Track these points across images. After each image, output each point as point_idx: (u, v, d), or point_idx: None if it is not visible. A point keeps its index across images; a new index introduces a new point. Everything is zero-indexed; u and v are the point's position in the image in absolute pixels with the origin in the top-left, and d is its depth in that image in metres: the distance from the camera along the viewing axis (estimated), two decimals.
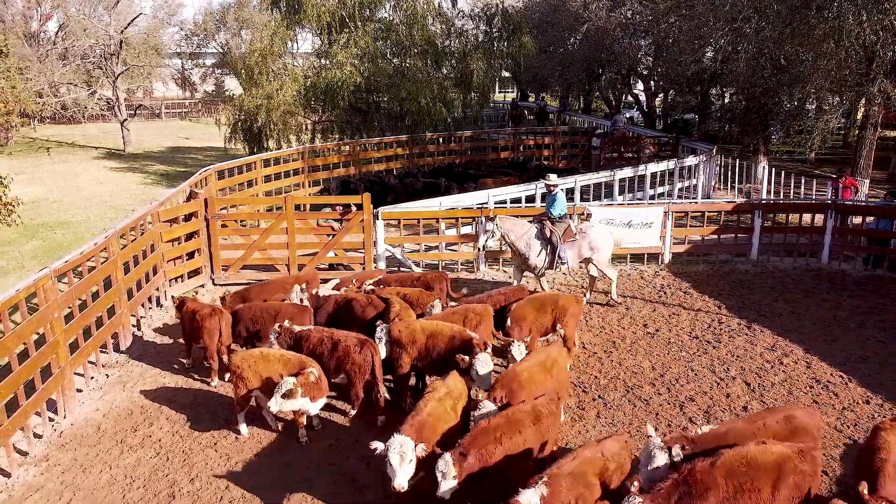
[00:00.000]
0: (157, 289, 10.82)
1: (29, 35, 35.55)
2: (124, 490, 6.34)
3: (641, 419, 7.36)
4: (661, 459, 4.92)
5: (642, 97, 31.21)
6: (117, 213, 18.57)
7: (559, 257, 10.20)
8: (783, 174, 16.87)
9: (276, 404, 6.37)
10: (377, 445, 5.29)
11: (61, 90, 32.31)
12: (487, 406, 6.00)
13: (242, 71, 21.33)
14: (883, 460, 4.94)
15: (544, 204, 11.16)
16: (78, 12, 33.55)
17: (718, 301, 10.91)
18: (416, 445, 5.24)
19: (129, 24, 31.68)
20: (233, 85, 48.96)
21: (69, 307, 7.90)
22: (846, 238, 13.07)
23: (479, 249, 10.91)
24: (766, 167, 19.21)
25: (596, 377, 8.34)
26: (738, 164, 18.62)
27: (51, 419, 7.47)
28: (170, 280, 11.23)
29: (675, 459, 4.97)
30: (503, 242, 10.54)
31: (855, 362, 8.63)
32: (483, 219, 10.73)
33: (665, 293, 11.36)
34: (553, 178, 10.83)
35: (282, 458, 6.77)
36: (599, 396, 7.85)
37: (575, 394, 7.91)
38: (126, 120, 30.87)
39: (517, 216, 11.27)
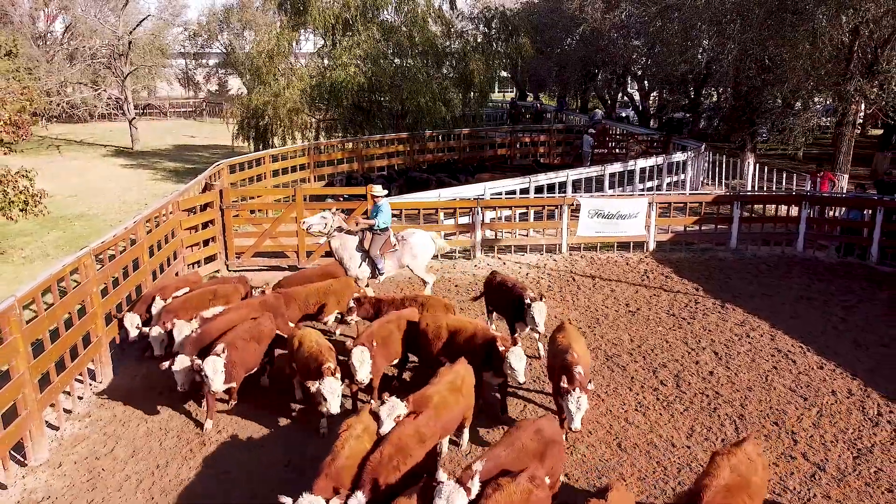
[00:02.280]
0: (177, 273, 11.69)
1: (37, 36, 36.43)
2: (161, 439, 7.21)
3: (618, 382, 8.23)
4: (461, 500, 4.74)
5: (636, 96, 32.08)
6: (130, 207, 19.45)
7: (378, 269, 10.34)
8: (768, 170, 17.74)
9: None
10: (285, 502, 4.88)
11: (68, 90, 33.18)
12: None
13: (250, 70, 22.22)
14: (709, 482, 4.82)
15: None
16: (84, 13, 34.42)
17: (696, 284, 11.79)
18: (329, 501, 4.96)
19: (137, 26, 32.57)
20: (235, 84, 49.91)
21: (104, 283, 8.77)
22: (820, 228, 13.95)
23: (303, 223, 10.57)
24: (753, 163, 20.10)
25: None
26: (725, 161, 19.50)
27: (90, 383, 8.35)
28: (188, 265, 12.10)
29: (474, 494, 4.84)
30: (329, 249, 10.62)
31: (815, 335, 9.51)
32: (331, 211, 10.61)
33: (648, 277, 12.23)
34: (377, 189, 10.73)
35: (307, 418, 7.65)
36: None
37: None
38: (134, 118, 31.77)
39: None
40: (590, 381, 7.24)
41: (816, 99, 17.26)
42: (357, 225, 10.70)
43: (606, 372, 8.53)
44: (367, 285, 10.56)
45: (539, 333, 8.61)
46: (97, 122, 38.86)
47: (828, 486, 6.20)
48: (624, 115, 35.23)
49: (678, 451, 6.80)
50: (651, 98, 32.55)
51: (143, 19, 32.75)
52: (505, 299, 8.77)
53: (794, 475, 6.36)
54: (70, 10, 35.73)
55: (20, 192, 13.54)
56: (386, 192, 10.95)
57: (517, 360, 6.87)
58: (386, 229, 10.46)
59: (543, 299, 8.18)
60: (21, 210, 13.61)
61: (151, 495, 6.30)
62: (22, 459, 6.75)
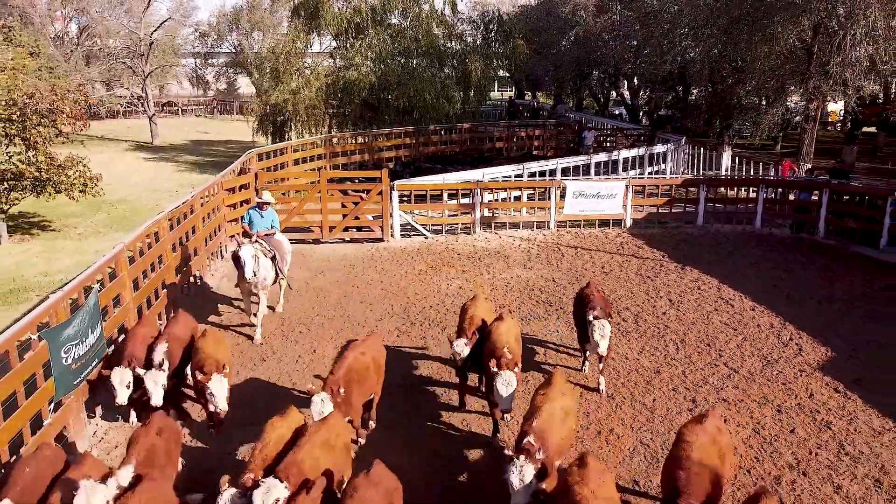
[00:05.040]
0: (220, 244, 13.73)
1: (56, 37, 38.49)
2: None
3: None
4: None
5: (627, 95, 34.13)
6: (161, 194, 21.50)
7: (256, 274, 9.53)
8: (743, 161, 19.80)
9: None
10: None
11: (88, 88, 35.24)
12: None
13: (268, 69, 24.24)
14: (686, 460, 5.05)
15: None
16: (99, 14, 36.48)
17: (663, 253, 13.84)
18: None
19: (157, 28, 34.64)
20: (244, 83, 52.02)
21: (173, 242, 10.82)
22: (776, 208, 16.00)
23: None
24: (730, 155, 22.16)
25: (560, 298, 11.25)
26: (702, 153, 21.56)
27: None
28: (229, 237, 14.15)
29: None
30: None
31: (755, 289, 11.55)
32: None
33: (622, 248, 14.29)
34: (266, 195, 10.67)
35: None
36: (560, 308, 10.77)
37: (543, 306, 10.85)
38: (154, 115, 33.84)
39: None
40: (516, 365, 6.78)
41: (791, 97, 19.29)
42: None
43: None
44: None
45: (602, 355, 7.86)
46: (112, 120, 40.90)
47: (738, 382, 8.27)
48: (617, 112, 37.30)
49: (629, 362, 8.86)
50: (641, 96, 34.58)
51: (164, 21, 34.77)
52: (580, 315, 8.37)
53: (714, 375, 8.43)
54: (87, 11, 37.80)
55: (80, 176, 15.60)
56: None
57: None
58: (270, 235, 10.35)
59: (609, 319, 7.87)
60: (80, 191, 15.67)
61: None
62: None
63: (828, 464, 6.58)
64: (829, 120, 34.55)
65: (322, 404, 6.19)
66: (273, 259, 9.95)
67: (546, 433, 5.33)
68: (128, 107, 40.11)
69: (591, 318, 7.75)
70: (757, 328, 9.90)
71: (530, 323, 10.22)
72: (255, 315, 9.96)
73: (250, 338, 9.80)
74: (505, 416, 7.19)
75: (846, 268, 12.78)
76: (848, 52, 14.37)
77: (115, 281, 8.52)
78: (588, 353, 8.46)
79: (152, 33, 33.76)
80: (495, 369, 6.61)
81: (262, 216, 10.30)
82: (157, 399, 6.71)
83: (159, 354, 6.91)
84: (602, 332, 7.46)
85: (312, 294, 11.67)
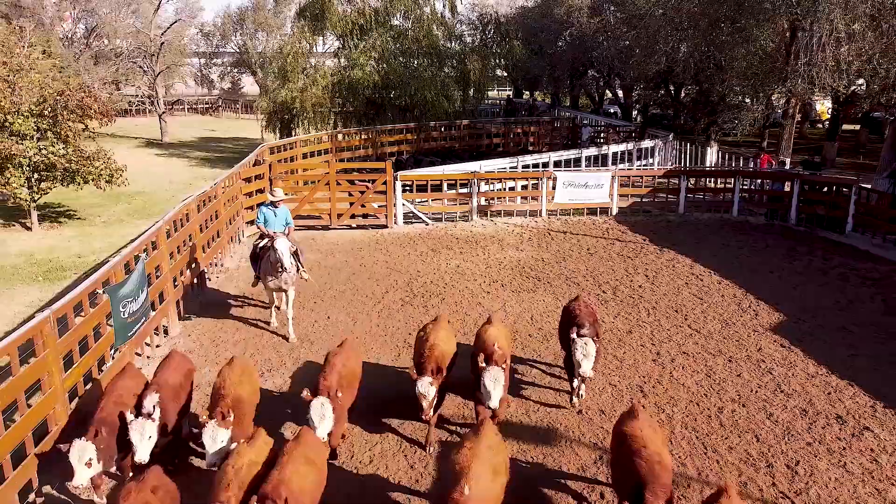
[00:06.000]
0: (238, 228, 14.98)
1: (64, 37, 39.72)
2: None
3: (572, 291, 11.52)
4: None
5: (620, 93, 35.37)
6: (177, 186, 22.78)
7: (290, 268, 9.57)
8: (730, 156, 21.06)
9: None
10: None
11: (96, 87, 36.48)
12: None
13: (276, 69, 25.49)
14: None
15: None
16: (107, 15, 37.71)
17: (645, 237, 15.09)
18: None
19: (167, 29, 35.92)
20: (248, 82, 53.31)
21: (199, 225, 12.06)
22: (752, 196, 17.23)
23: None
24: (717, 150, 23.39)
25: (547, 274, 12.51)
26: (688, 148, 22.79)
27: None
28: (246, 222, 15.40)
29: None
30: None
31: (724, 266, 12.79)
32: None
33: (607, 233, 15.55)
34: (279, 192, 10.47)
35: None
36: (547, 282, 12.03)
37: (532, 281, 12.11)
38: (164, 113, 35.11)
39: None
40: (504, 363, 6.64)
41: (774, 95, 20.52)
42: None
43: (565, 287, 11.83)
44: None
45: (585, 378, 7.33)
46: (121, 118, 42.07)
47: (699, 339, 9.52)
48: (612, 110, 38.55)
49: (605, 325, 10.10)
50: (633, 95, 35.82)
51: (174, 22, 36.04)
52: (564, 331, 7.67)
53: (678, 334, 9.69)
54: (94, 12, 39.02)
55: (106, 167, 16.86)
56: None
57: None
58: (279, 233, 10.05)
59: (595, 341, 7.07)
60: (106, 181, 16.92)
61: None
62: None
63: (765, 398, 7.83)
64: (819, 118, 35.85)
65: (322, 408, 6.03)
66: (295, 254, 9.82)
67: None
68: (139, 105, 41.39)
69: (573, 335, 6.95)
70: (721, 297, 11.15)
71: (520, 294, 11.48)
72: (277, 308, 10.13)
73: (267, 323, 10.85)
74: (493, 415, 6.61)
75: (809, 249, 14.03)
76: (815, 54, 15.58)
77: (157, 252, 9.78)
78: (574, 380, 7.52)
79: (163, 34, 35.02)
80: (483, 364, 6.40)
81: (275, 214, 10.18)
82: (142, 454, 5.76)
83: (150, 404, 5.99)
84: (585, 352, 6.72)
85: (324, 271, 12.90)
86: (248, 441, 5.41)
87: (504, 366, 6.44)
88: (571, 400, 7.75)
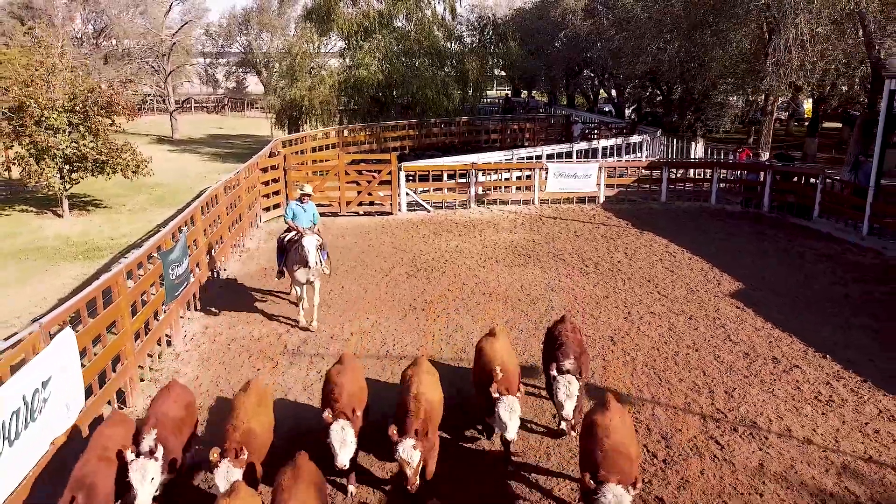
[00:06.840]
0: (256, 214, 16.41)
1: (74, 37, 41.15)
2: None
3: (558, 266, 12.94)
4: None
5: (614, 92, 36.83)
6: (193, 179, 24.19)
7: (318, 263, 9.91)
8: (716, 151, 22.51)
9: None
10: None
11: (104, 86, 37.91)
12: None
13: (284, 68, 26.93)
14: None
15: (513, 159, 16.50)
16: (117, 16, 39.13)
17: (627, 222, 16.52)
18: None
19: (178, 30, 37.37)
20: (252, 82, 54.75)
21: (226, 207, 13.49)
22: (734, 186, 18.64)
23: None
24: (703, 146, 24.84)
25: (536, 252, 13.94)
26: (677, 144, 24.26)
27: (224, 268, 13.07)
28: (263, 209, 16.83)
29: None
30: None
31: (696, 245, 14.23)
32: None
33: (594, 218, 16.98)
34: (307, 187, 10.61)
35: None
36: (536, 259, 13.46)
37: (523, 258, 13.55)
38: (175, 110, 36.56)
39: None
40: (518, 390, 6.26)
41: (738, 93, 22.00)
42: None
43: (552, 262, 13.27)
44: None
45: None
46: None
47: (665, 302, 10.96)
48: (607, 109, 40.03)
49: (585, 291, 11.54)
50: (625, 94, 37.28)
51: (185, 23, 37.49)
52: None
53: (648, 298, 11.13)
54: (105, 13, 40.43)
55: (132, 159, 18.29)
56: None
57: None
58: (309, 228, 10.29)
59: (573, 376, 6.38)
60: (133, 172, 18.35)
61: None
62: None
63: (715, 345, 9.27)
64: (805, 116, 37.29)
65: (343, 432, 5.76)
66: (320, 248, 10.02)
67: None
68: (150, 103, 42.85)
69: (554, 372, 6.33)
70: (690, 270, 12.60)
71: (512, 269, 12.91)
72: (304, 301, 10.31)
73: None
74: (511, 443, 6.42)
75: (776, 232, 15.47)
76: (782, 55, 17.00)
77: (194, 228, 11.21)
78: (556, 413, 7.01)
79: (174, 34, 36.47)
80: (496, 395, 6.01)
81: (304, 210, 10.37)
82: (144, 499, 5.22)
83: (147, 442, 5.38)
84: (568, 392, 6.18)
85: (336, 251, 14.30)
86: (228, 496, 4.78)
87: (518, 395, 6.08)
88: (560, 424, 7.15)
